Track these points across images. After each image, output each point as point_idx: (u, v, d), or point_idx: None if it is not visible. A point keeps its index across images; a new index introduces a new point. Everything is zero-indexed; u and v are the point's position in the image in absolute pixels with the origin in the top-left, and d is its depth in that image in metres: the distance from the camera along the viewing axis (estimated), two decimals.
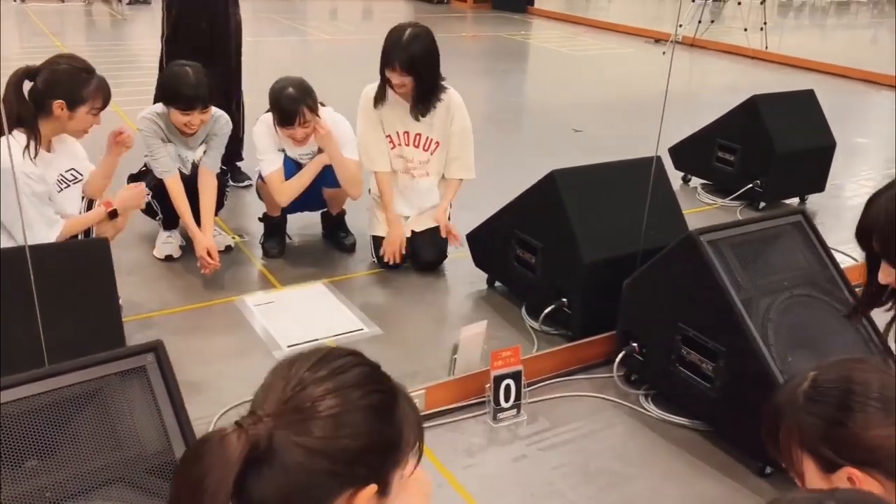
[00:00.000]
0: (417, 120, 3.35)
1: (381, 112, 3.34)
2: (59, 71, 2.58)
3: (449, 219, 3.46)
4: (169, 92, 3.10)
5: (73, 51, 7.76)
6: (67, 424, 1.45)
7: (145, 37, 9.40)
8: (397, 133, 3.35)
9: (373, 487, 0.91)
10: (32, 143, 2.50)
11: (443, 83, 3.31)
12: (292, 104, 3.14)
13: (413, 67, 3.16)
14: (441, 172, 3.47)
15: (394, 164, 3.42)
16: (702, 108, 6.00)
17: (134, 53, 8.32)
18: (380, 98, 3.31)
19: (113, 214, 2.76)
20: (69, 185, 2.68)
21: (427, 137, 3.37)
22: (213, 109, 3.24)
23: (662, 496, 2.20)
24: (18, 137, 2.50)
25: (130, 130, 2.85)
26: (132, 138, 2.85)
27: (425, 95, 3.26)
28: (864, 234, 1.75)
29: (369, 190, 3.53)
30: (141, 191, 2.90)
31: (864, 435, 1.18)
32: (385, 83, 3.27)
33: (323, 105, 3.34)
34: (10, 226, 2.38)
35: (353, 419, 0.90)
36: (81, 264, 1.97)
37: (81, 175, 2.74)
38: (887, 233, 1.69)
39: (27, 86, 2.55)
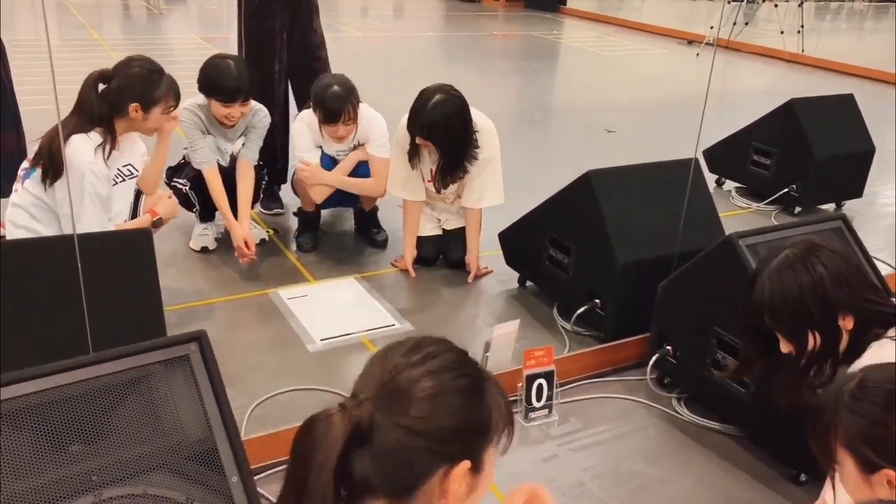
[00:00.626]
0: (438, 193, 3.31)
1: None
2: (132, 74, 2.66)
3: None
4: (210, 84, 3.14)
5: (109, 44, 7.87)
6: (112, 411, 1.48)
7: (181, 31, 9.55)
8: (431, 170, 3.27)
9: (466, 464, 0.97)
10: (108, 145, 2.60)
11: (472, 114, 3.15)
12: (338, 102, 3.18)
13: (432, 137, 3.09)
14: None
15: (427, 193, 3.39)
16: (735, 110, 5.94)
17: (171, 47, 8.43)
18: (413, 157, 3.22)
19: (157, 223, 2.84)
20: (124, 180, 2.75)
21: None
22: (253, 102, 3.28)
23: (695, 500, 2.18)
24: (94, 138, 2.59)
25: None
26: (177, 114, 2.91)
27: (447, 167, 3.16)
28: (754, 311, 1.76)
29: None
30: (175, 203, 2.98)
31: None
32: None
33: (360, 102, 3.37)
34: (67, 221, 2.43)
35: (447, 400, 0.97)
36: (125, 254, 2.01)
37: (137, 171, 2.80)
38: (776, 308, 1.70)
39: (101, 87, 2.63)
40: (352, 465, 0.95)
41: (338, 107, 3.18)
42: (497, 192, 3.32)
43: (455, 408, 0.97)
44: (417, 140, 3.14)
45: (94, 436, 1.44)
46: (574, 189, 2.93)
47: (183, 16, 10.67)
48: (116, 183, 2.69)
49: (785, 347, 1.74)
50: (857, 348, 1.67)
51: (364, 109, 3.37)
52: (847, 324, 1.68)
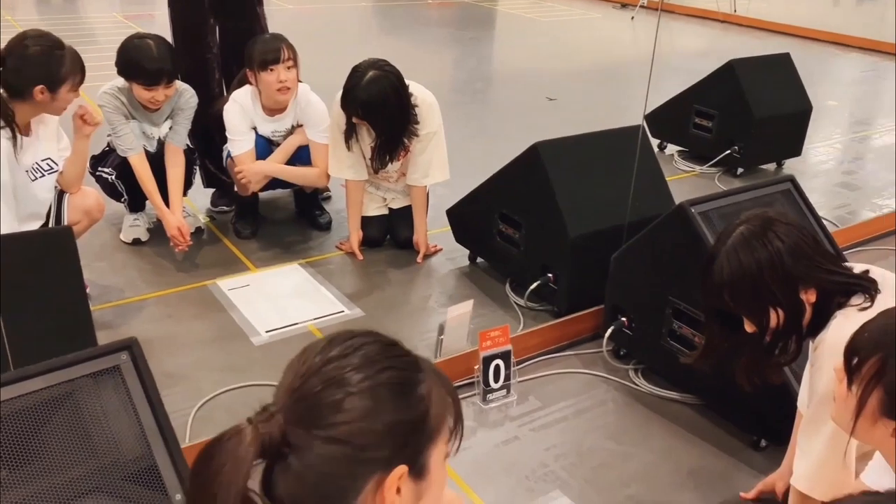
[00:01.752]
0: (376, 173, 3.20)
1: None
2: (32, 54, 2.43)
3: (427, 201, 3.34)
4: (130, 66, 2.94)
5: (24, 26, 7.42)
6: (38, 432, 1.35)
7: (101, 9, 9.07)
8: (371, 147, 3.12)
9: (401, 469, 0.87)
10: (15, 133, 2.39)
11: (410, 87, 3.03)
12: (273, 43, 3.09)
13: (368, 116, 2.97)
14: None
15: (370, 171, 3.25)
16: (674, 73, 5.94)
17: (89, 27, 8.00)
18: (350, 136, 3.09)
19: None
20: (43, 176, 2.53)
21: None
22: (178, 83, 3.08)
23: (658, 474, 2.16)
24: None
25: (90, 107, 2.69)
26: (95, 114, 2.69)
27: (385, 145, 3.03)
28: (715, 294, 1.71)
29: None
30: (101, 201, 2.84)
31: None
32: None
33: (300, 81, 3.22)
34: None
35: (369, 400, 0.85)
36: (45, 254, 1.85)
37: (56, 166, 2.59)
38: (736, 288, 1.66)
39: None
40: (275, 486, 0.86)
41: (273, 45, 3.07)
42: (442, 169, 3.22)
43: (379, 407, 0.86)
44: (353, 119, 3.01)
45: (19, 461, 1.31)
46: (522, 162, 2.85)
47: None
48: (35, 178, 2.49)
49: (749, 327, 1.70)
50: (820, 320, 1.64)
51: (304, 90, 3.22)
52: (809, 297, 1.64)
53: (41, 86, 2.42)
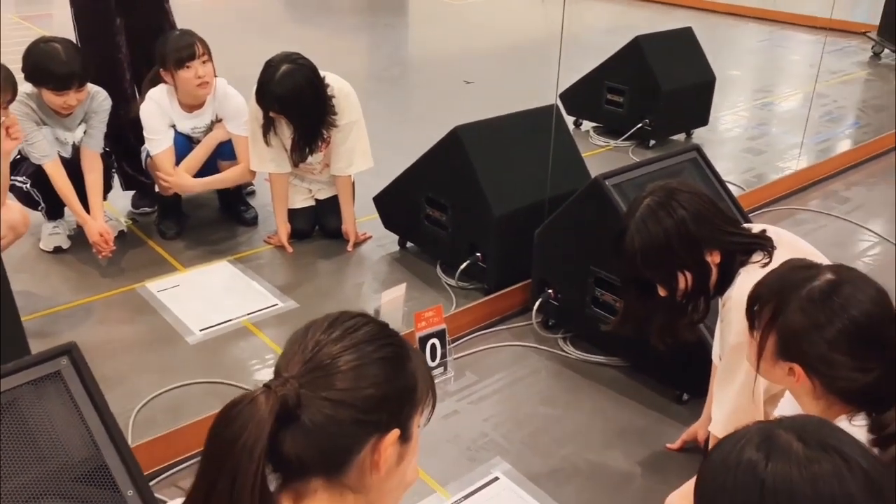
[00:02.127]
0: (296, 166, 3.22)
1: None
2: None
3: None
4: (39, 72, 2.86)
5: None
6: None
7: None
8: (291, 139, 3.13)
9: (395, 432, 0.98)
10: None
11: (326, 78, 3.05)
12: (185, 38, 3.09)
13: (284, 110, 2.99)
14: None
15: (293, 164, 3.26)
16: (584, 51, 6.10)
17: None
18: (268, 131, 3.10)
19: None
20: None
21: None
22: (89, 86, 3.03)
23: (591, 433, 2.29)
24: None
25: (16, 120, 2.63)
26: (19, 129, 2.64)
27: (303, 138, 3.06)
28: (629, 264, 1.83)
29: None
30: (26, 214, 2.80)
31: (830, 356, 1.29)
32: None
33: (216, 76, 3.21)
34: None
35: (371, 370, 0.96)
36: None
37: None
38: (647, 256, 1.78)
39: None
40: (282, 447, 0.93)
41: (186, 42, 3.07)
42: (365, 156, 3.26)
43: (380, 377, 0.97)
44: (270, 113, 3.03)
45: None
46: (444, 146, 2.93)
47: None
48: None
49: (661, 291, 1.83)
50: (726, 279, 1.78)
51: (221, 84, 3.22)
52: (714, 258, 1.78)
53: None
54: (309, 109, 3.00)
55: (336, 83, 3.11)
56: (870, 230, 3.64)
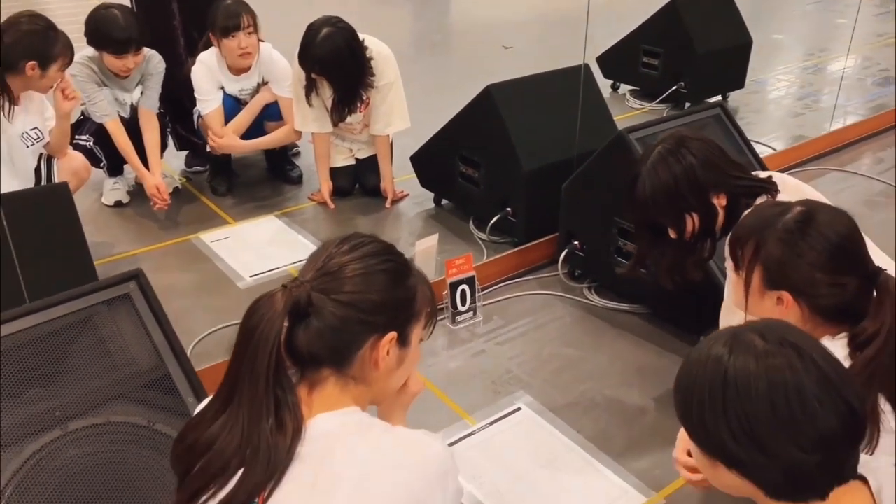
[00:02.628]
0: (336, 126, 3.36)
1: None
2: (26, 31, 2.61)
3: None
4: (99, 36, 3.08)
5: None
6: (65, 352, 1.57)
7: None
8: (331, 99, 3.31)
9: (393, 335, 1.14)
10: (6, 102, 2.58)
11: (365, 41, 3.20)
12: (234, 7, 3.24)
13: (325, 72, 3.14)
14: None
15: (335, 122, 3.43)
16: (625, 16, 6.13)
17: (43, 2, 7.95)
18: (310, 92, 3.26)
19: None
20: (33, 144, 2.72)
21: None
22: (145, 49, 3.24)
23: (610, 371, 2.44)
24: None
25: (69, 82, 2.85)
26: (74, 89, 2.87)
27: (343, 99, 3.21)
28: (640, 208, 1.95)
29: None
30: (86, 163, 3.04)
31: (810, 274, 1.42)
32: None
33: (262, 41, 3.38)
34: None
35: (374, 279, 1.12)
36: (48, 208, 2.05)
37: (43, 136, 2.78)
38: (657, 200, 1.90)
39: None
40: (297, 341, 1.10)
41: (234, 10, 3.22)
42: (402, 117, 3.41)
43: (381, 285, 1.13)
44: (312, 75, 3.19)
45: (52, 376, 1.54)
46: (476, 105, 3.07)
47: None
48: (27, 146, 2.67)
49: (672, 234, 1.96)
50: (732, 220, 1.90)
51: (266, 49, 3.39)
52: (721, 201, 1.90)
53: (33, 62, 2.59)
54: (348, 71, 3.16)
55: (375, 46, 3.26)
56: None
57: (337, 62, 3.11)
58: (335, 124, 3.38)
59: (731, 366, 1.06)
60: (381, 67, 3.26)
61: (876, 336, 1.34)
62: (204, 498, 1.05)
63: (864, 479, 1.09)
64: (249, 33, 3.27)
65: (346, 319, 1.10)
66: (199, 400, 1.62)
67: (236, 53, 3.28)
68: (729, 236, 1.56)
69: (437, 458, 1.08)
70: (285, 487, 1.02)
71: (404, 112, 3.41)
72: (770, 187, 1.89)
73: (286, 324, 1.09)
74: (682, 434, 1.68)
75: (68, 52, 2.73)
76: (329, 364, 1.12)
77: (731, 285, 1.58)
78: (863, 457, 1.10)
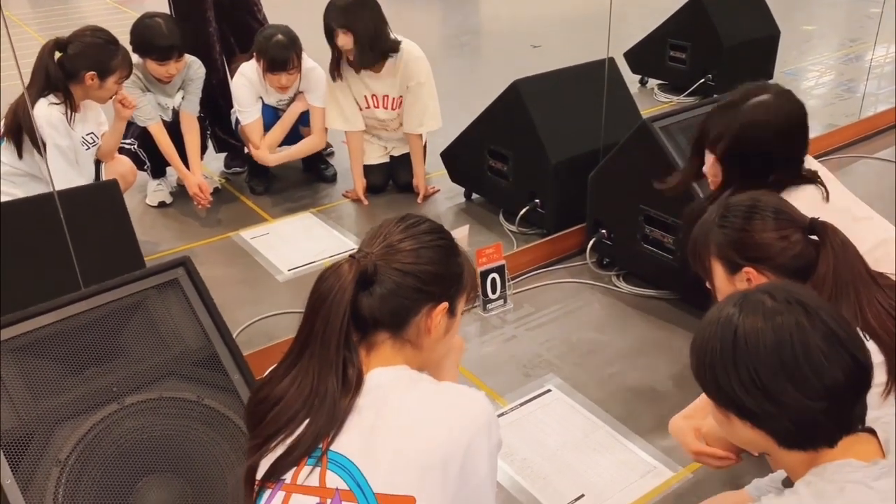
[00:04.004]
0: (358, 72, 3.39)
1: (346, 81, 3.42)
2: (89, 43, 2.80)
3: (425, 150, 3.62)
4: (144, 44, 3.24)
5: (21, 19, 7.67)
6: (119, 333, 1.69)
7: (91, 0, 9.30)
8: (364, 97, 3.45)
9: (444, 304, 1.26)
10: (69, 108, 2.78)
11: (396, 39, 3.31)
12: (283, 51, 3.33)
13: (348, 24, 3.20)
14: None
15: (367, 122, 3.56)
16: (653, 11, 6.15)
17: (86, 15, 8.25)
18: (334, 70, 3.37)
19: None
20: (88, 148, 2.90)
21: (391, 97, 3.47)
22: (186, 56, 3.38)
23: (637, 355, 2.50)
24: (51, 99, 2.75)
25: (128, 94, 3.03)
26: (132, 100, 3.05)
27: (366, 47, 3.26)
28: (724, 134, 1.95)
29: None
30: (133, 166, 3.23)
31: (759, 237, 1.53)
32: (336, 54, 3.33)
33: None
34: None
35: (430, 253, 1.25)
36: (100, 203, 2.19)
37: (97, 140, 2.97)
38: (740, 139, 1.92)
39: (57, 56, 2.77)
40: (362, 307, 1.21)
41: (283, 55, 3.32)
42: (434, 117, 3.50)
43: (435, 259, 1.25)
44: (339, 39, 3.23)
45: (108, 355, 1.66)
46: (504, 100, 3.15)
47: None
48: (86, 150, 2.84)
49: (708, 168, 1.99)
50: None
51: (303, 61, 3.51)
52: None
53: (92, 72, 2.78)
54: (368, 20, 3.22)
55: (408, 46, 3.36)
56: None
57: (359, 10, 3.20)
58: (366, 66, 3.36)
59: (741, 323, 1.13)
60: (413, 67, 3.36)
61: (825, 277, 1.44)
62: (274, 444, 1.16)
63: (872, 432, 1.15)
64: (291, 72, 3.39)
65: (405, 287, 1.21)
66: (245, 377, 1.75)
67: (275, 85, 3.44)
68: (687, 255, 1.67)
69: (483, 408, 1.18)
70: (346, 434, 1.14)
71: (436, 112, 3.50)
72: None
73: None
74: (678, 416, 1.74)
75: (126, 66, 2.91)
76: (388, 328, 1.23)
77: (718, 294, 1.65)
78: (870, 412, 1.16)
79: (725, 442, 1.65)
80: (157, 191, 3.63)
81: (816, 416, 1.09)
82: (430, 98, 3.46)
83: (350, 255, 1.23)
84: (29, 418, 1.53)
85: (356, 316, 1.22)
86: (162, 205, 3.62)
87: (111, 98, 2.93)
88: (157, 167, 3.59)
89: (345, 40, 3.25)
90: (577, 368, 2.43)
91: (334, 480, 1.11)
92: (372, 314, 1.21)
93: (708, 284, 1.68)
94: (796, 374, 1.08)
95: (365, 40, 3.26)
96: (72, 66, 2.76)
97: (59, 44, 2.78)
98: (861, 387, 1.11)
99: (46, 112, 2.71)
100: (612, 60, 3.23)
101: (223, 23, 3.75)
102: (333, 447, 1.13)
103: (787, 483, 1.23)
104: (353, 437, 1.13)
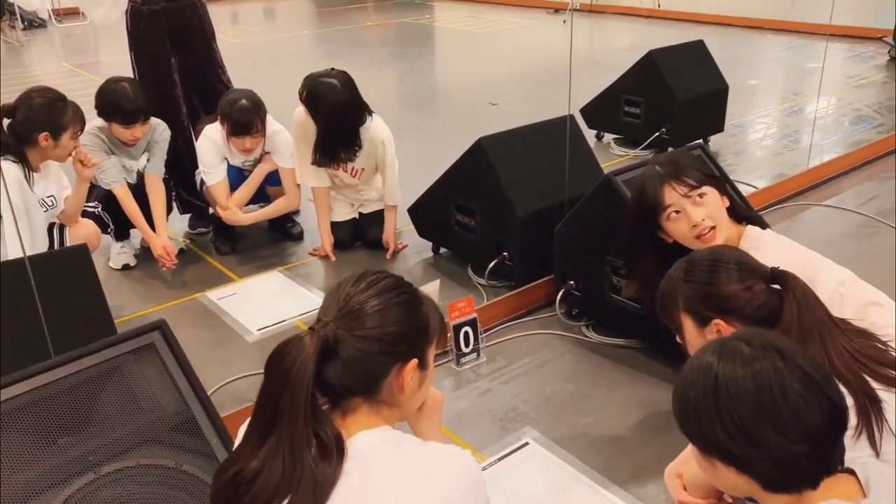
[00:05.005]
0: (325, 166, 3.49)
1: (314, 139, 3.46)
2: (36, 105, 2.80)
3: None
4: (109, 108, 3.24)
5: None
6: (95, 400, 1.66)
7: (48, 60, 9.28)
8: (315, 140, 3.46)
9: (414, 361, 1.25)
10: (27, 169, 2.76)
11: (367, 116, 3.39)
12: (247, 115, 3.37)
13: (313, 108, 3.28)
14: (374, 178, 3.66)
15: (333, 181, 3.61)
16: (606, 69, 6.38)
17: (42, 77, 8.20)
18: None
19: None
20: (47, 210, 2.87)
21: (354, 168, 3.53)
22: (151, 119, 3.39)
23: (611, 404, 2.52)
24: (7, 165, 2.71)
25: (87, 152, 3.01)
26: (92, 157, 3.03)
27: (329, 143, 3.34)
28: (647, 214, 2.15)
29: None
30: (97, 229, 3.22)
31: (724, 289, 1.58)
32: None
33: None
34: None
35: (392, 312, 1.23)
36: (69, 268, 2.15)
37: (57, 203, 2.94)
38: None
39: (6, 122, 2.77)
40: (327, 376, 1.19)
41: (246, 119, 3.36)
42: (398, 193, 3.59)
43: (399, 317, 1.23)
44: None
45: (83, 423, 1.62)
46: (469, 156, 3.21)
47: (46, 44, 10.33)
48: (44, 211, 2.80)
49: (669, 238, 2.12)
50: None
51: (268, 123, 3.54)
52: None
53: (45, 132, 2.76)
54: (348, 118, 3.31)
55: (380, 127, 3.44)
56: (881, 221, 3.81)
57: (339, 110, 3.27)
58: (328, 166, 3.48)
59: (720, 371, 1.17)
60: (387, 146, 3.44)
61: (791, 324, 1.50)
62: None
63: (851, 472, 1.18)
64: (255, 136, 3.43)
65: (370, 353, 1.20)
66: (224, 442, 1.72)
67: (239, 148, 3.48)
68: (657, 312, 1.73)
69: (470, 467, 1.18)
70: (335, 500, 1.12)
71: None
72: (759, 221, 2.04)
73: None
74: (672, 464, 1.77)
75: (79, 120, 2.90)
76: (359, 393, 1.23)
77: (689, 348, 1.70)
78: (848, 453, 1.20)
79: (705, 490, 1.67)
80: (121, 253, 3.59)
81: (798, 458, 1.12)
82: (392, 175, 3.54)
83: (310, 328, 1.20)
84: (4, 492, 1.48)
85: (325, 385, 1.20)
86: (126, 267, 3.58)
87: (70, 155, 2.91)
88: (121, 229, 3.56)
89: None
90: (553, 420, 2.44)
91: None
92: (340, 383, 1.20)
93: (678, 339, 1.72)
94: (777, 419, 1.12)
95: (327, 136, 3.34)
96: (23, 130, 2.76)
97: (6, 110, 2.77)
98: (839, 428, 1.15)
99: (4, 168, 2.67)
100: (572, 117, 3.34)
101: (188, 85, 3.78)
102: None
103: None
104: (343, 502, 1.12)
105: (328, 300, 1.26)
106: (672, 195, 2.09)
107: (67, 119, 2.82)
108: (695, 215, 2.06)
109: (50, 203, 2.86)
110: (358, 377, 1.21)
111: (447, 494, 1.13)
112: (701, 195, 2.07)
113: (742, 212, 2.18)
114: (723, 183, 2.17)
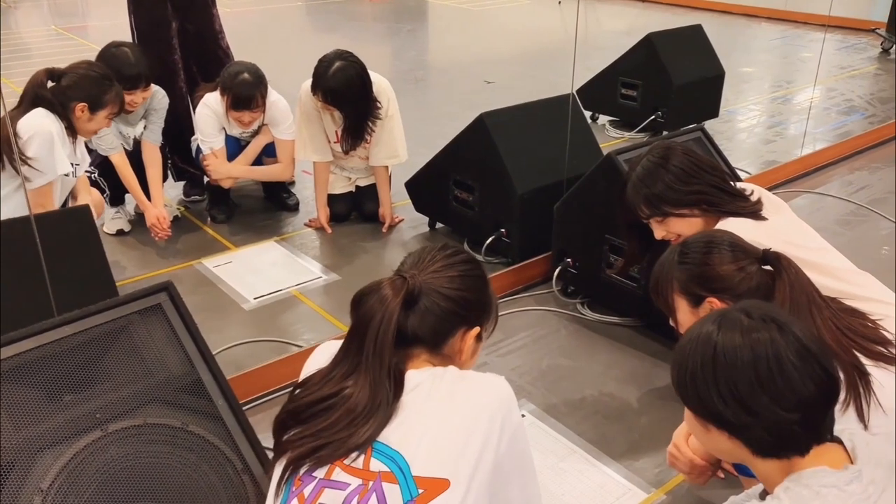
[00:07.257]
0: (346, 154, 3.50)
1: (317, 113, 3.45)
2: (83, 75, 2.80)
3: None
4: (111, 73, 3.19)
5: None
6: (102, 359, 1.66)
7: (36, 23, 9.12)
8: (335, 132, 3.48)
9: (477, 329, 1.41)
10: (68, 129, 2.77)
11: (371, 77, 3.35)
12: (248, 89, 3.33)
13: (335, 101, 3.27)
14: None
15: (335, 153, 3.58)
16: (601, 51, 6.38)
17: (30, 40, 8.07)
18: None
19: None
20: (68, 176, 2.84)
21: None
22: (152, 85, 3.35)
23: (606, 379, 2.56)
24: (49, 116, 2.69)
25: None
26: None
27: (352, 129, 3.35)
28: (630, 210, 2.18)
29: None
30: (101, 197, 3.21)
31: (719, 269, 1.64)
32: None
33: None
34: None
35: (468, 282, 1.39)
36: (72, 228, 2.15)
37: (76, 177, 2.92)
38: (646, 202, 2.12)
39: (49, 85, 2.74)
40: (405, 324, 1.33)
41: (248, 93, 3.33)
42: (402, 150, 3.54)
43: (475, 287, 1.39)
44: (320, 105, 3.33)
45: (91, 381, 1.62)
46: (470, 132, 3.22)
47: (34, 7, 10.15)
48: (68, 176, 2.80)
49: (658, 234, 2.12)
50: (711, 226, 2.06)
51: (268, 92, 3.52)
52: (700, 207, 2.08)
53: (84, 104, 2.77)
54: (358, 103, 3.30)
55: (376, 79, 3.41)
56: (872, 209, 3.87)
57: (349, 94, 3.25)
58: (345, 153, 3.50)
59: (719, 340, 1.20)
60: (392, 100, 3.42)
61: (783, 303, 1.55)
62: (341, 437, 1.26)
63: (839, 441, 1.22)
64: (255, 110, 3.40)
65: (445, 310, 1.35)
66: (230, 404, 1.73)
67: (238, 121, 3.45)
68: (650, 292, 1.77)
69: (507, 388, 1.33)
70: (390, 427, 1.27)
71: (403, 145, 3.54)
72: (747, 196, 2.05)
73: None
74: (677, 431, 1.82)
75: (118, 103, 2.91)
76: (426, 345, 1.36)
77: (681, 328, 1.74)
78: (836, 425, 1.24)
79: (703, 453, 1.72)
80: (116, 218, 3.57)
81: (791, 426, 1.16)
82: (398, 131, 3.51)
83: (399, 275, 1.35)
84: (10, 447, 1.48)
85: (399, 330, 1.31)
86: (120, 233, 3.56)
87: (95, 133, 2.92)
88: (116, 195, 3.54)
89: (329, 109, 3.34)
90: (549, 394, 2.48)
91: (377, 466, 1.23)
92: (413, 331, 1.34)
93: (671, 321, 1.76)
94: (771, 387, 1.15)
95: (352, 122, 3.35)
96: (63, 96, 2.74)
97: (51, 73, 2.76)
98: (831, 398, 1.19)
99: (43, 121, 2.64)
100: (574, 96, 3.34)
101: (187, 51, 3.74)
102: (378, 438, 1.25)
103: (763, 496, 1.29)
104: (396, 429, 1.26)
105: (412, 259, 1.41)
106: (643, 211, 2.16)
107: (109, 98, 2.84)
108: (657, 234, 2.16)
109: (72, 171, 2.84)
110: (430, 329, 1.34)
111: (488, 404, 1.27)
112: (660, 220, 2.12)
113: (726, 208, 2.15)
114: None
